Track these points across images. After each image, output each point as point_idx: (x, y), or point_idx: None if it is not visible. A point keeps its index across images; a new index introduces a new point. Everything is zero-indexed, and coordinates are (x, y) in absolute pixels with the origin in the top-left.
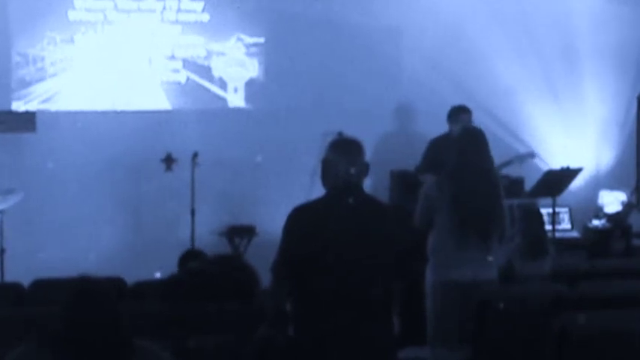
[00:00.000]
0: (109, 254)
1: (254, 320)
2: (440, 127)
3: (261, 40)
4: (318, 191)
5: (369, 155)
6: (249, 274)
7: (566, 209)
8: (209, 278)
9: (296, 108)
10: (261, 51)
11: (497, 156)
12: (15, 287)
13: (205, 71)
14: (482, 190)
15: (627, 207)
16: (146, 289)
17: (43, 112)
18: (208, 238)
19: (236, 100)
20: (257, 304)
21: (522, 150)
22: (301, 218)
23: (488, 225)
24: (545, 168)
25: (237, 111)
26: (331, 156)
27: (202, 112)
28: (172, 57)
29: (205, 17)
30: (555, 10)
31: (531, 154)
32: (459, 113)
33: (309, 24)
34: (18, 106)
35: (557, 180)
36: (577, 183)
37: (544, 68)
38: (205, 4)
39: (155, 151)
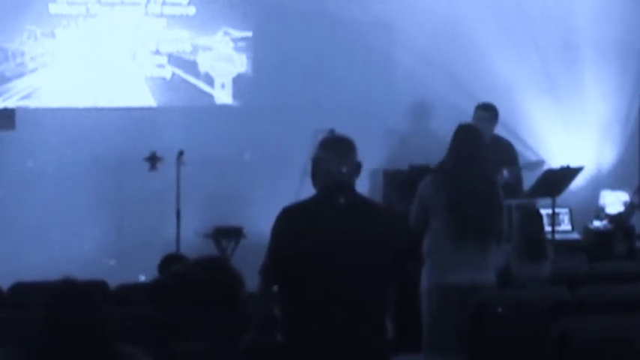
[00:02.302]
0: (91, 256)
1: (240, 325)
2: (435, 124)
3: (249, 34)
4: (308, 191)
5: (361, 154)
6: (234, 277)
7: (566, 210)
8: (192, 282)
9: (285, 105)
10: (249, 45)
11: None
12: None
13: (191, 66)
14: (479, 190)
15: (630, 207)
16: (130, 292)
17: (23, 109)
18: (194, 240)
19: (223, 96)
20: (242, 308)
21: (520, 148)
22: (291, 219)
23: (486, 226)
24: (544, 167)
25: (225, 108)
26: (322, 154)
27: (188, 109)
28: (157, 52)
29: (191, 10)
30: (555, 4)
31: (541, 162)
32: (477, 110)
33: (299, 18)
34: None
35: (557, 180)
36: (577, 183)
37: (543, 64)
38: None
39: (139, 149)
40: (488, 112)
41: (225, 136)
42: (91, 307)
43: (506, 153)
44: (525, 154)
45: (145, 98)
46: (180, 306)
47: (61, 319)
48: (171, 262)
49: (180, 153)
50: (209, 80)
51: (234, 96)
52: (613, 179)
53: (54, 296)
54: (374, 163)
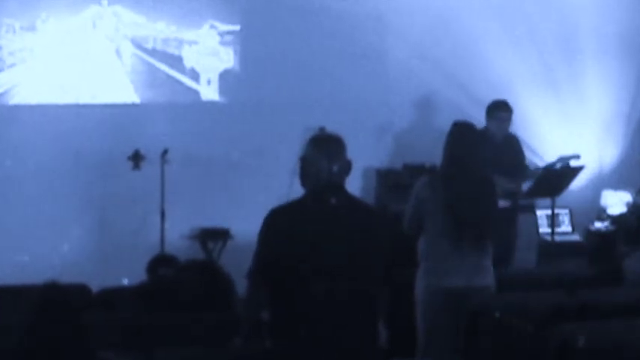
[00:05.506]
0: (72, 259)
1: (229, 331)
2: (430, 121)
3: (237, 27)
4: (297, 191)
5: (353, 152)
6: (225, 282)
7: (566, 211)
8: (181, 286)
9: (274, 101)
10: (236, 39)
11: None
12: None
13: (176, 61)
14: (474, 192)
15: (632, 208)
16: (113, 296)
17: (1, 106)
18: (179, 242)
19: (209, 92)
20: (233, 313)
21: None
22: (279, 221)
23: (483, 228)
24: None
25: (211, 104)
26: (311, 153)
27: (173, 105)
28: (140, 46)
29: (177, 3)
30: None
31: (576, 156)
32: (496, 110)
33: (287, 11)
34: None
35: (557, 179)
36: (578, 182)
37: (542, 58)
38: None
39: (122, 147)
40: (509, 112)
41: (211, 134)
42: (73, 312)
43: (516, 152)
44: (525, 153)
45: (128, 94)
46: (167, 311)
47: (42, 325)
48: (160, 263)
49: (165, 151)
50: (195, 76)
51: (221, 92)
52: (615, 179)
53: (36, 301)
54: (366, 162)
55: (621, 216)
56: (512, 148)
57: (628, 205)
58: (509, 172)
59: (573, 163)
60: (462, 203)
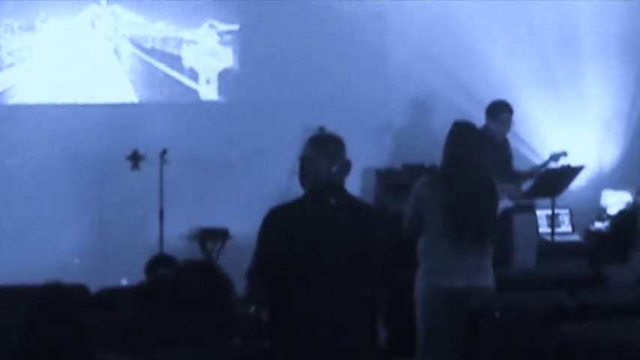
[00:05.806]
0: (70, 259)
1: (228, 331)
2: (429, 121)
3: (236, 27)
4: (296, 191)
5: (352, 152)
6: (224, 282)
7: (566, 211)
8: (180, 286)
9: (273, 101)
10: (235, 39)
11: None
12: None
13: (175, 61)
14: (474, 192)
15: (632, 208)
16: (112, 296)
17: (0, 106)
18: (178, 242)
19: (208, 92)
20: (231, 313)
21: (519, 147)
22: (278, 221)
23: (483, 228)
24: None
25: (210, 104)
26: (310, 153)
27: (172, 105)
28: (139, 46)
29: (175, 2)
30: None
31: (564, 153)
32: (499, 112)
33: (287, 10)
34: None
35: (557, 179)
36: (578, 182)
37: (542, 58)
38: None
39: (121, 147)
40: (511, 113)
41: (210, 134)
42: (73, 313)
43: (510, 153)
44: (524, 153)
45: (127, 94)
46: (166, 311)
47: (41, 326)
48: (159, 263)
49: (164, 151)
50: (194, 75)
51: (220, 92)
52: (615, 178)
53: (37, 300)
54: (366, 162)
55: None
56: (507, 149)
57: (628, 205)
58: (502, 173)
59: (563, 160)
60: (462, 203)
